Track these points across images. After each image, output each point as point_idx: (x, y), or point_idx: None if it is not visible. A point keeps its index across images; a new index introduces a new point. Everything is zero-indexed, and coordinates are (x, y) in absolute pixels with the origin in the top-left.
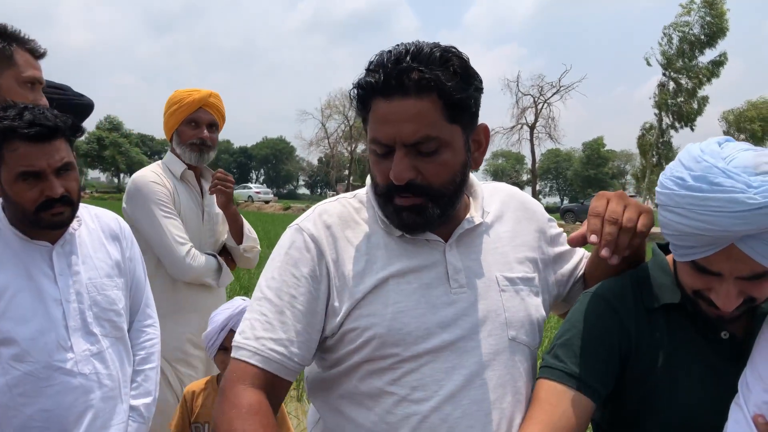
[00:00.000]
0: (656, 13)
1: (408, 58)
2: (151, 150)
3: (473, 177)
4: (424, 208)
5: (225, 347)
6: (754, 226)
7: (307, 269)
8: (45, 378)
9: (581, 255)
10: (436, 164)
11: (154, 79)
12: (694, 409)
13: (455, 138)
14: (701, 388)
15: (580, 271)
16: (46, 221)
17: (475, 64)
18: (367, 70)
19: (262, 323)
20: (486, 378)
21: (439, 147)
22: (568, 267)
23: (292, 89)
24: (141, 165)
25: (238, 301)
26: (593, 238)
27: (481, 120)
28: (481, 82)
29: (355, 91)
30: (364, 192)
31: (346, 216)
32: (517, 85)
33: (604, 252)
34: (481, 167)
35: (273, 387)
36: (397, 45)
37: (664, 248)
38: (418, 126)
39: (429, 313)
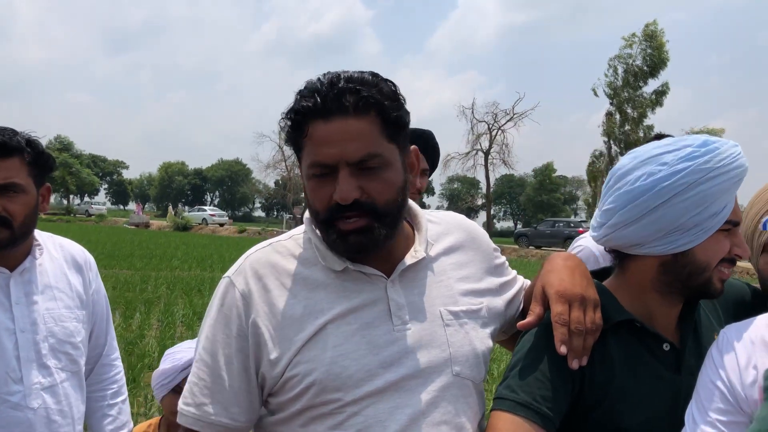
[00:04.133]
0: (609, 44)
1: (342, 80)
2: (103, 171)
3: (417, 207)
4: (371, 228)
5: (178, 389)
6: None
7: (235, 328)
8: None
9: (521, 284)
10: (379, 182)
11: (110, 98)
12: (652, 422)
13: (394, 157)
14: (655, 400)
15: (520, 302)
16: None
17: (437, 89)
18: (301, 96)
19: (200, 388)
20: (429, 417)
21: (382, 164)
22: (508, 296)
23: (250, 111)
24: (92, 186)
25: None
26: (563, 349)
27: (440, 144)
28: (405, 103)
29: (290, 118)
30: (300, 231)
31: (280, 262)
32: (472, 112)
33: (574, 364)
34: (437, 191)
35: None
36: (326, 73)
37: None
38: (362, 144)
39: (370, 353)
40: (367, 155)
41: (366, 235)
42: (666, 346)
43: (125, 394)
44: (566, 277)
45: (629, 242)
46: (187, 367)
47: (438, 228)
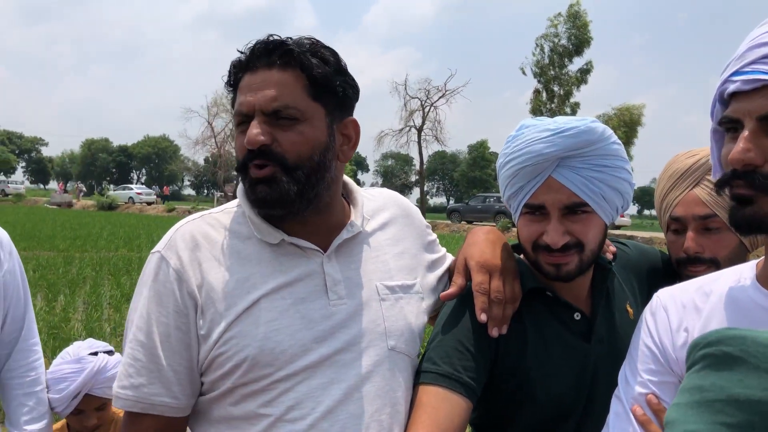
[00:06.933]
0: (542, 22)
1: (276, 39)
2: (20, 148)
3: (353, 183)
4: (277, 180)
5: (79, 410)
6: (560, 148)
7: (171, 304)
8: None
9: (450, 262)
10: (293, 134)
11: (27, 71)
12: (564, 389)
13: (316, 115)
14: (565, 368)
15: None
16: None
17: (371, 65)
18: (239, 51)
19: (137, 369)
20: (364, 391)
21: (298, 118)
22: (438, 273)
23: (178, 86)
24: (8, 164)
25: (88, 358)
26: (483, 317)
27: (372, 120)
28: (353, 80)
29: (228, 74)
30: (233, 205)
31: (211, 235)
32: (405, 88)
33: (494, 332)
34: (372, 168)
35: (169, 426)
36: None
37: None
38: (278, 93)
39: (305, 328)
40: (282, 106)
41: (272, 186)
42: (577, 316)
43: (44, 384)
44: (487, 249)
45: None
46: (78, 393)
47: (374, 204)
